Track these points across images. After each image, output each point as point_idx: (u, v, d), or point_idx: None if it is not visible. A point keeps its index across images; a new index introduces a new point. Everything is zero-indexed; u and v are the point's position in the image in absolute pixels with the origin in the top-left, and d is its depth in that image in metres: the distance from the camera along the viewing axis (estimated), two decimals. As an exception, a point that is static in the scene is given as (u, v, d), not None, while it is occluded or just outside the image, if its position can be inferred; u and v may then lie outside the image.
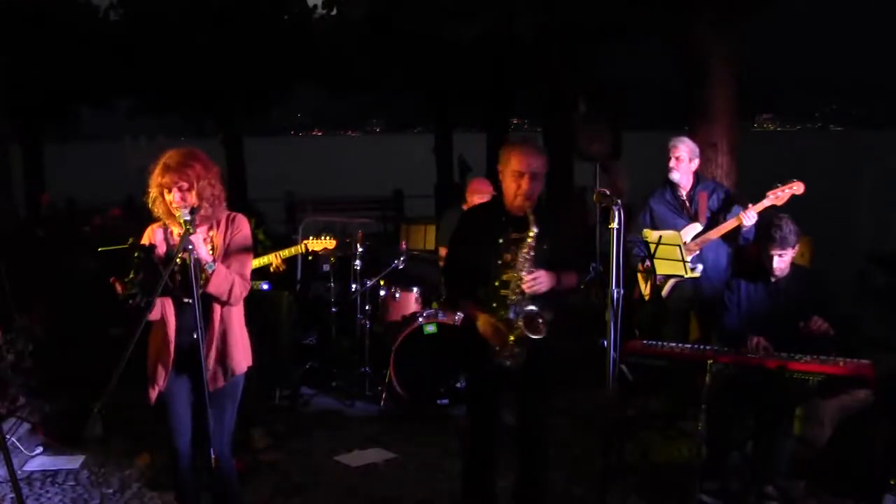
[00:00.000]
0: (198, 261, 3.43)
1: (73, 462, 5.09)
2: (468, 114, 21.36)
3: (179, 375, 3.64)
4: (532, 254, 3.66)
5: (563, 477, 4.72)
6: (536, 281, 3.65)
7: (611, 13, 10.04)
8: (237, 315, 3.72)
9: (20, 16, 15.22)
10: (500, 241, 3.75)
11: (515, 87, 16.72)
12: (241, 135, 19.83)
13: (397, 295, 6.56)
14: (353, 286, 6.50)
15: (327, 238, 5.90)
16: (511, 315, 3.67)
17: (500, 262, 3.73)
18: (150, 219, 3.73)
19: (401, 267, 6.56)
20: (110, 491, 4.72)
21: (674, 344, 4.38)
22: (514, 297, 3.68)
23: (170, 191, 3.53)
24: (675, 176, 5.52)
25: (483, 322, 3.72)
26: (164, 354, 3.60)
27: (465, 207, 6.60)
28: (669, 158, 5.53)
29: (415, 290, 6.56)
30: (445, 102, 19.01)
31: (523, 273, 3.65)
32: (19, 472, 4.77)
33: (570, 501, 4.52)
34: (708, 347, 4.27)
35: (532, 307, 3.64)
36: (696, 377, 4.16)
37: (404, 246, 7.03)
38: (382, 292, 6.67)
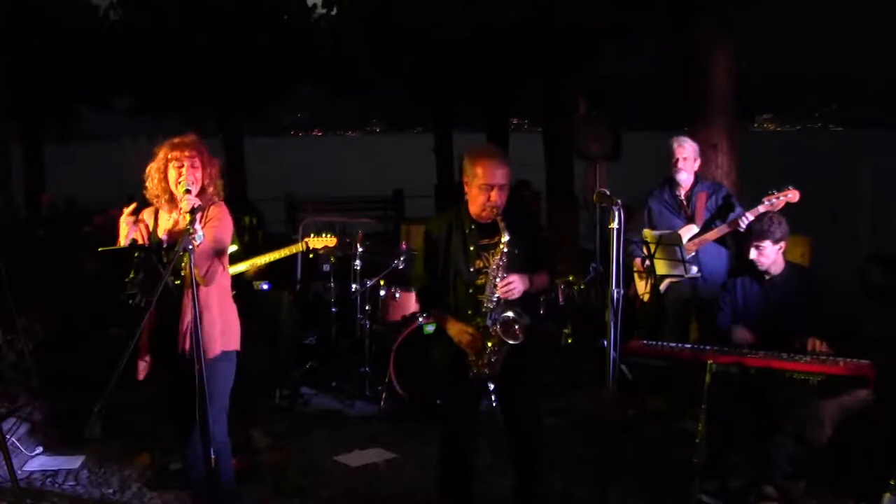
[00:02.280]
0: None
1: (73, 462, 5.09)
2: (468, 114, 21.36)
3: (169, 359, 3.66)
4: (504, 260, 3.66)
5: (563, 477, 4.72)
6: (510, 286, 3.65)
7: (610, 13, 10.04)
8: (216, 297, 3.70)
9: (20, 16, 15.23)
10: (472, 248, 3.77)
11: (515, 87, 16.71)
12: (241, 134, 19.84)
13: (397, 295, 6.55)
14: (353, 286, 6.50)
15: (328, 236, 5.90)
16: (488, 322, 3.68)
17: (472, 269, 3.76)
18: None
19: (401, 267, 6.56)
20: (110, 491, 4.72)
21: (674, 344, 4.38)
22: (489, 304, 3.68)
23: (181, 165, 3.58)
24: (682, 176, 5.50)
25: (457, 331, 3.74)
26: (144, 338, 3.65)
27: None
28: (674, 158, 5.51)
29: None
30: (445, 102, 19.01)
31: (497, 280, 3.66)
32: (19, 472, 4.77)
33: (569, 502, 4.52)
34: (708, 347, 4.27)
35: (508, 313, 3.65)
36: (696, 377, 4.16)
37: (404, 246, 7.03)
38: (382, 292, 6.67)
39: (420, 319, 6.01)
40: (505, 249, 3.65)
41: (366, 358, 6.34)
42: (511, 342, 3.65)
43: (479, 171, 3.68)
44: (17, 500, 4.30)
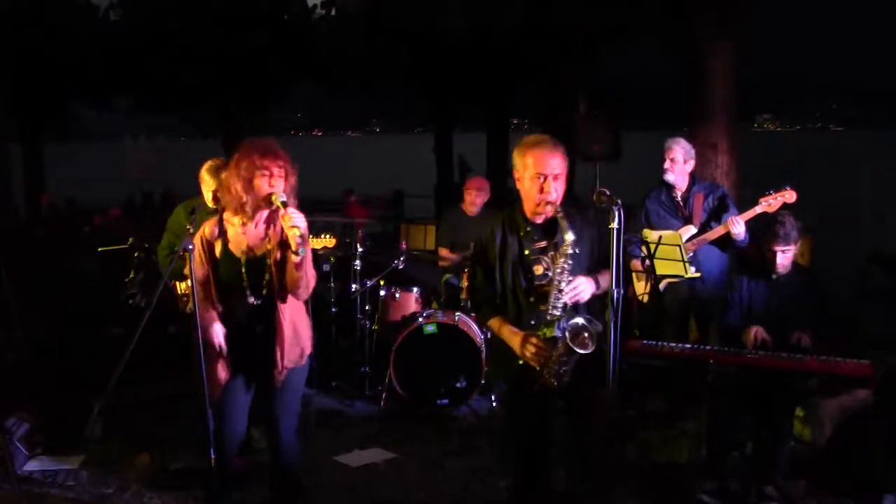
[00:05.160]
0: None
1: (73, 462, 5.09)
2: (468, 114, 21.37)
3: (242, 368, 3.75)
4: (570, 262, 3.33)
5: (563, 477, 4.71)
6: (577, 290, 3.34)
7: (610, 13, 10.06)
8: (300, 306, 3.81)
9: (20, 16, 15.25)
10: (527, 252, 3.47)
11: (515, 87, 16.72)
12: (241, 135, 19.83)
13: (397, 295, 6.55)
14: (353, 286, 6.50)
15: (327, 237, 5.90)
16: (557, 333, 3.35)
17: (529, 275, 3.46)
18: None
19: (401, 267, 6.55)
20: (110, 491, 4.72)
21: (674, 344, 4.37)
22: (554, 312, 3.36)
23: (271, 175, 3.53)
24: (669, 177, 5.51)
25: (520, 344, 3.41)
26: (220, 351, 3.68)
27: (463, 206, 6.62)
28: (664, 159, 5.53)
29: (415, 290, 6.56)
30: (445, 102, 19.01)
31: (562, 284, 3.33)
32: (19, 472, 4.77)
33: (570, 501, 4.52)
34: (708, 347, 4.27)
35: (577, 320, 3.30)
36: (696, 377, 4.15)
37: (404, 246, 7.03)
38: (382, 292, 6.67)
39: (420, 319, 6.02)
40: (569, 251, 3.32)
41: (366, 358, 6.35)
42: (581, 352, 3.28)
43: (530, 160, 3.39)
44: (17, 500, 4.30)
